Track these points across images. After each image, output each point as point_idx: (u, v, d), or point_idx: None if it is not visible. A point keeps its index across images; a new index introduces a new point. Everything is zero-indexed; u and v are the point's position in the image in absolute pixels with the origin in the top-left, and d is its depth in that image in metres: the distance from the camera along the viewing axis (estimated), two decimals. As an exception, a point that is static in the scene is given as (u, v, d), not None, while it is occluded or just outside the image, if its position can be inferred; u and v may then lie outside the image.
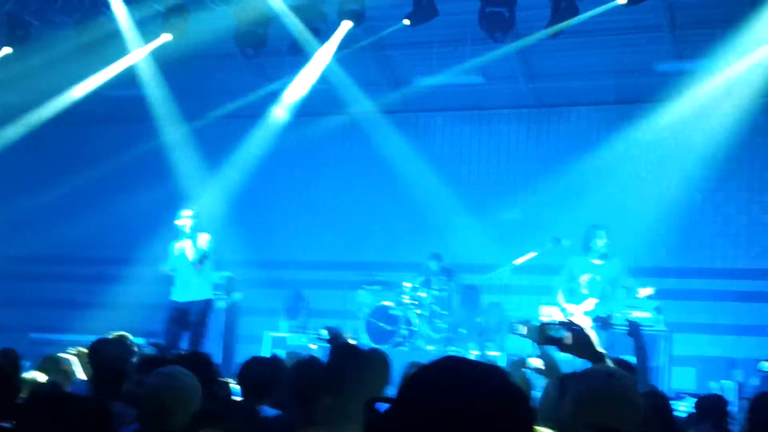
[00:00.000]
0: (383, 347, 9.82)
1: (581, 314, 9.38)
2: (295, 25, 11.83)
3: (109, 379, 5.01)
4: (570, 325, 3.98)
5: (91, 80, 13.11)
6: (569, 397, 2.91)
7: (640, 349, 6.01)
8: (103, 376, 5.06)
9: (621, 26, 12.19)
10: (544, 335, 4.27)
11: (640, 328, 8.34)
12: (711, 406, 5.81)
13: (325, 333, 6.32)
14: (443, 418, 1.59)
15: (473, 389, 1.63)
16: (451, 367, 1.69)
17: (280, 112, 13.46)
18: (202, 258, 9.65)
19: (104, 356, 5.27)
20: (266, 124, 13.94)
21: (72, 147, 14.93)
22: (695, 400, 6.30)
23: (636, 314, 10.77)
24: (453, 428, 1.59)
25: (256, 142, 14.05)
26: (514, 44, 12.32)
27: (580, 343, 3.64)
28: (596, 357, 3.64)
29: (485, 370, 1.68)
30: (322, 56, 12.42)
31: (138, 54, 12.66)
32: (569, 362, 5.72)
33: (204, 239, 9.72)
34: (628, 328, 7.09)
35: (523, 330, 5.98)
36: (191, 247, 9.59)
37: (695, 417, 5.84)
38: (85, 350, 5.75)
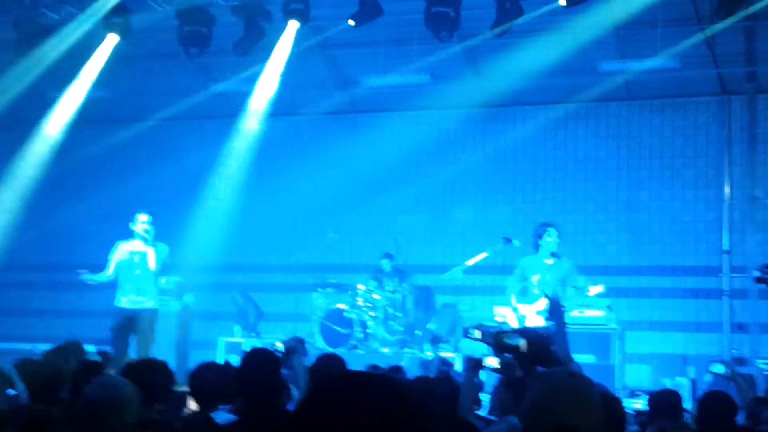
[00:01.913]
0: (338, 350, 9.75)
1: (533, 314, 9.39)
2: (239, 24, 11.73)
3: (46, 387, 4.98)
4: (524, 332, 3.96)
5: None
6: (529, 397, 2.93)
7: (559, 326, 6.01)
8: (40, 384, 5.04)
9: (565, 26, 12.26)
10: (499, 343, 4.25)
11: (561, 306, 8.41)
12: (664, 402, 5.81)
13: (280, 346, 6.17)
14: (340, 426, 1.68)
15: (361, 401, 1.71)
16: (348, 379, 1.78)
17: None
18: (162, 268, 9.49)
19: (42, 365, 5.24)
20: (209, 125, 13.76)
21: (16, 151, 14.51)
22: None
23: (588, 312, 10.85)
24: None
25: (202, 144, 13.86)
26: (460, 44, 12.34)
27: (536, 351, 3.62)
28: (552, 363, 3.62)
29: (373, 380, 1.76)
30: (278, 57, 12.26)
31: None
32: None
33: (164, 250, 9.52)
34: (549, 306, 7.16)
35: (478, 334, 5.98)
36: (153, 257, 9.38)
37: (649, 413, 5.85)
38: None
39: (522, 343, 4.51)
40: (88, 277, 9.39)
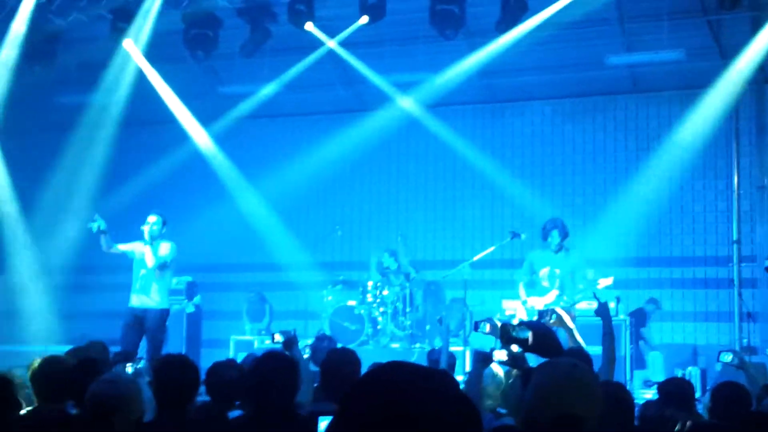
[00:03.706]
0: (349, 347, 9.79)
1: (542, 307, 9.42)
2: (245, 26, 11.81)
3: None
4: (531, 325, 3.99)
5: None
6: (531, 386, 2.97)
7: (607, 335, 6.01)
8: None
9: (570, 20, 12.28)
10: (506, 336, 4.29)
11: (608, 308, 8.39)
12: (674, 390, 5.81)
13: (279, 338, 6.26)
14: (388, 427, 1.56)
15: (418, 395, 1.60)
16: (394, 374, 1.65)
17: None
18: (162, 266, 9.50)
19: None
20: (219, 126, 13.84)
21: (40, 154, 14.63)
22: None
23: (596, 304, 10.84)
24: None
25: (213, 144, 13.95)
26: (465, 41, 12.38)
27: (543, 343, 3.65)
28: (559, 355, 3.65)
29: (432, 376, 1.65)
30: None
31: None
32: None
33: (165, 248, 9.57)
34: (596, 307, 7.13)
35: (488, 328, 6.03)
36: (150, 254, 9.44)
37: (659, 401, 5.86)
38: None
39: (529, 335, 4.54)
40: (99, 223, 9.19)
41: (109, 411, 3.77)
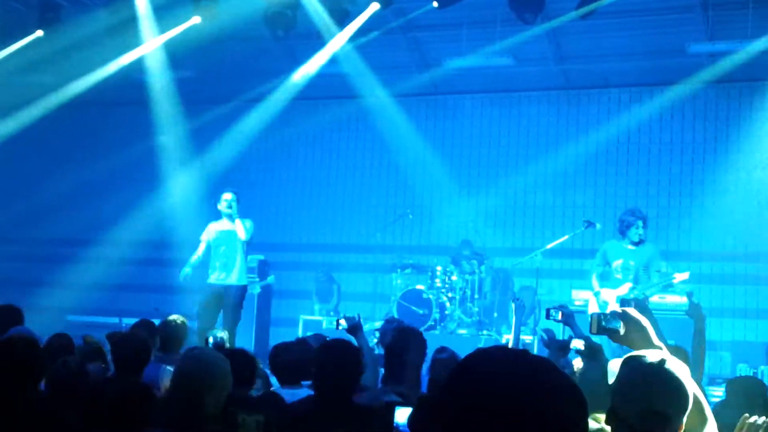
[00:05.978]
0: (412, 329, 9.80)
1: (614, 299, 9.31)
2: (323, 6, 11.81)
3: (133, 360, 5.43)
4: (624, 316, 3.93)
5: (119, 62, 13.12)
6: (617, 379, 2.92)
7: (698, 334, 5.87)
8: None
9: (652, 7, 12.04)
10: (598, 325, 4.23)
11: (701, 308, 8.22)
12: (744, 389, 5.67)
13: (343, 323, 6.28)
14: (494, 412, 1.51)
15: (526, 381, 1.54)
16: (501, 359, 1.59)
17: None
18: (251, 240, 9.69)
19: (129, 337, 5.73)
20: (291, 107, 13.90)
21: (98, 129, 14.95)
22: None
23: (669, 298, 10.70)
24: (505, 422, 1.51)
25: (281, 125, 14.02)
26: (544, 25, 12.21)
27: (635, 334, 3.59)
28: (652, 347, 3.58)
29: (537, 362, 1.59)
30: (342, 37, 12.34)
31: (166, 36, 12.64)
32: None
33: (249, 223, 9.72)
34: (687, 308, 7.01)
35: (560, 316, 5.98)
36: (242, 228, 9.59)
37: (726, 401, 5.74)
38: None
39: (621, 326, 4.47)
40: (184, 275, 9.66)
41: (198, 390, 3.63)
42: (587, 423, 1.62)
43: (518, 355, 1.61)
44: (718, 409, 5.41)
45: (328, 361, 4.52)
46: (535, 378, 1.56)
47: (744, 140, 12.77)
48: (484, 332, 11.70)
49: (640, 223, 9.45)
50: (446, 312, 11.94)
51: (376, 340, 8.02)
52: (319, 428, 4.29)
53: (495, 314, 12.23)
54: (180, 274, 9.70)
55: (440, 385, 1.62)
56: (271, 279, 12.87)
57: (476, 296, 12.07)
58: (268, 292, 12.77)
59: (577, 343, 5.15)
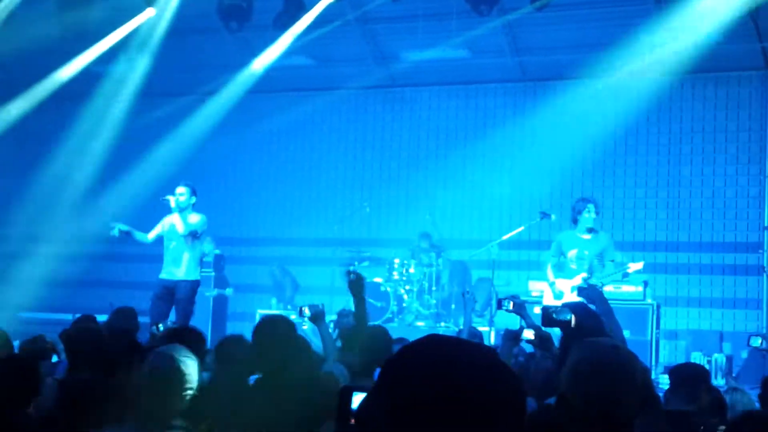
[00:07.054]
0: (374, 323, 9.80)
1: (569, 289, 9.37)
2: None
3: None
4: (574, 307, 3.96)
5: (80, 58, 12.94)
6: (568, 365, 2.92)
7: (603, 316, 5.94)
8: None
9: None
10: (548, 318, 4.25)
11: (600, 292, 8.27)
12: (686, 375, 5.71)
13: (307, 312, 6.32)
14: (431, 402, 1.51)
15: (463, 370, 1.54)
16: (436, 347, 1.59)
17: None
18: (193, 234, 9.53)
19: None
20: (246, 99, 13.79)
21: (57, 123, 14.66)
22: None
23: (624, 288, 10.79)
24: (442, 412, 1.51)
25: (237, 118, 13.90)
26: (500, 18, 12.26)
27: (586, 325, 3.61)
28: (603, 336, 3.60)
29: (474, 349, 1.60)
30: (297, 29, 12.28)
31: (123, 30, 12.48)
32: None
33: (195, 218, 9.60)
34: (585, 292, 6.98)
35: (511, 306, 6.02)
36: (180, 222, 9.46)
37: (670, 388, 5.78)
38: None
39: (571, 318, 4.50)
40: (118, 228, 9.40)
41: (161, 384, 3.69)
42: (524, 404, 1.61)
43: (452, 342, 1.62)
44: (666, 396, 5.47)
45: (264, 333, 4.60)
46: (471, 361, 1.56)
47: (696, 131, 12.93)
48: (442, 324, 11.74)
49: (591, 206, 9.47)
50: (404, 304, 11.95)
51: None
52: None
53: (452, 306, 12.27)
54: (119, 228, 9.42)
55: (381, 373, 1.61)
56: (229, 291, 12.83)
57: (434, 288, 12.10)
58: (224, 298, 12.80)
59: (528, 334, 5.20)
